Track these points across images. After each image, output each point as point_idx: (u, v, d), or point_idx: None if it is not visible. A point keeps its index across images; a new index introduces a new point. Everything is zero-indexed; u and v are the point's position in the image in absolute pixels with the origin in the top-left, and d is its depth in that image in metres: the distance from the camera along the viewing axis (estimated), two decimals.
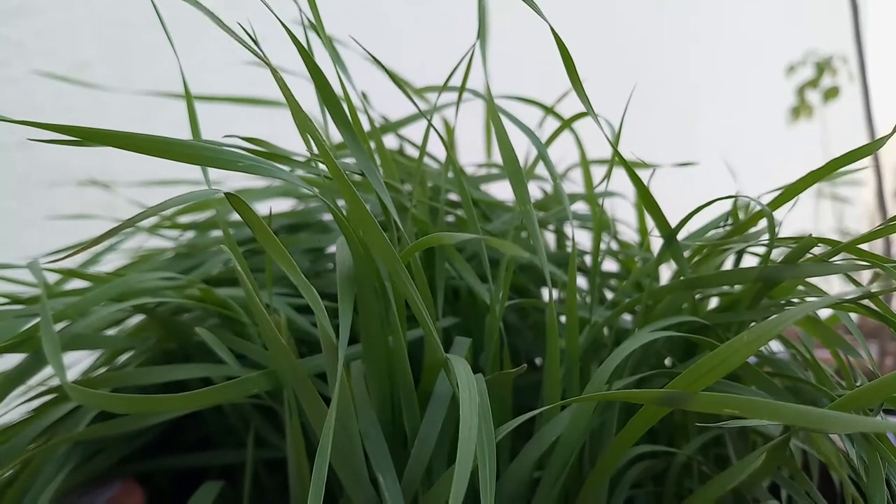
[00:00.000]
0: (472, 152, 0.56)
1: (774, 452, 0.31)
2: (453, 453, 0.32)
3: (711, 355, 0.26)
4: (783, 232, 0.38)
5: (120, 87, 0.71)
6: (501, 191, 0.46)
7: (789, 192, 0.34)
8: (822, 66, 1.05)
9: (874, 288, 0.31)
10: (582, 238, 0.45)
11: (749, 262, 0.40)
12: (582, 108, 0.33)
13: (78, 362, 0.43)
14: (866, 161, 0.34)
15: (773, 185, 0.38)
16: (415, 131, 0.47)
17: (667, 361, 0.40)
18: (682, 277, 0.37)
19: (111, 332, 0.40)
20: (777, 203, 0.35)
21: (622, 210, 0.53)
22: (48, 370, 0.34)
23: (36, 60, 0.74)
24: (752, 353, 0.26)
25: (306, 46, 0.32)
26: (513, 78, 0.76)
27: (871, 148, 0.32)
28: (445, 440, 0.33)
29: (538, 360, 0.45)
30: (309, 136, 0.32)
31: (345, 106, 0.32)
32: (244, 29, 0.29)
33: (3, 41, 0.72)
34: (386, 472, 0.30)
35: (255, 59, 0.29)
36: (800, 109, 1.09)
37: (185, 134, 0.36)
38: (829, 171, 0.33)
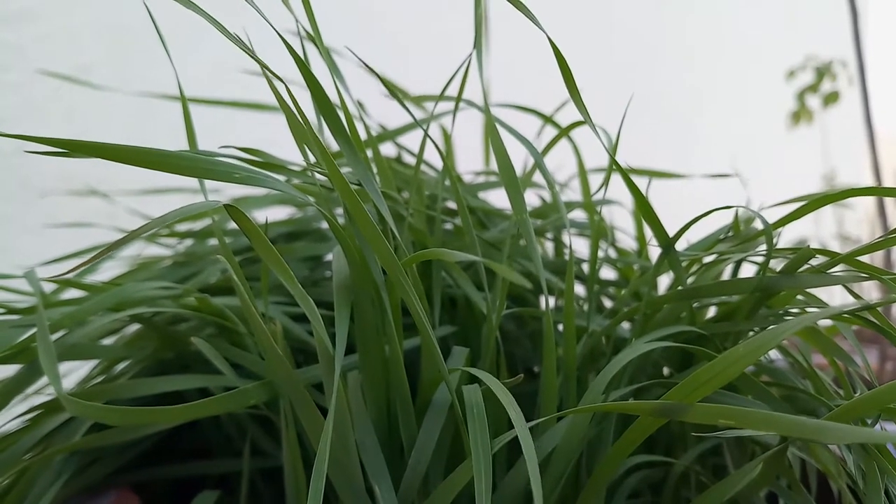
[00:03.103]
0: (472, 158, 0.56)
1: (772, 462, 0.31)
2: (450, 463, 0.32)
3: (708, 366, 0.26)
4: (784, 234, 0.38)
5: (120, 91, 0.71)
6: (500, 198, 0.46)
7: (798, 212, 0.34)
8: (822, 71, 1.05)
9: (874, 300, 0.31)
10: (580, 246, 0.45)
11: (748, 271, 0.40)
12: (579, 115, 0.33)
13: (74, 370, 0.43)
14: (867, 165, 0.34)
15: (774, 189, 0.38)
16: (413, 139, 0.47)
17: (665, 370, 0.40)
18: (679, 287, 0.37)
19: (108, 341, 0.40)
20: (783, 222, 0.35)
21: (621, 217, 0.53)
22: (45, 379, 0.34)
23: (36, 65, 0.74)
24: (750, 365, 0.26)
25: (302, 55, 0.32)
26: (511, 85, 0.76)
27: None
28: (443, 450, 0.32)
29: (536, 369, 0.45)
30: (306, 146, 0.32)
31: (341, 115, 0.32)
32: (238, 38, 0.29)
33: (3, 46, 0.72)
34: (382, 482, 0.30)
35: (251, 67, 0.29)
36: (800, 114, 1.09)
37: (185, 138, 0.36)
38: (844, 196, 0.33)
